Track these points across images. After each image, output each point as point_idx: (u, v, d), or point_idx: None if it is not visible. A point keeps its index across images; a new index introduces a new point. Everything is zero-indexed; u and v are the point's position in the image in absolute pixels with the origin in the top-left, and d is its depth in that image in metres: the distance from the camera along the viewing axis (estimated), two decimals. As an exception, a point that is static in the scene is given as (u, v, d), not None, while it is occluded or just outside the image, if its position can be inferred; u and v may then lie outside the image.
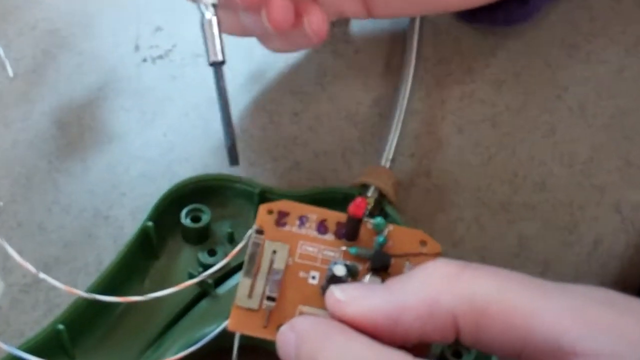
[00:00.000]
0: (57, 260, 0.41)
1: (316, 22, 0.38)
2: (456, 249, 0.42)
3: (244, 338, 0.32)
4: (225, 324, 0.34)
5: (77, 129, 0.45)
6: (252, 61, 0.48)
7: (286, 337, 0.29)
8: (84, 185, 0.43)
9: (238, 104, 0.46)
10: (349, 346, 0.27)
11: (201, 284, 0.37)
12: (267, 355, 0.33)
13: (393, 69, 0.47)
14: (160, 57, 0.48)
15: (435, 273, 0.28)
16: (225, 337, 0.34)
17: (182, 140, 0.45)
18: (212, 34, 0.35)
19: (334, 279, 0.31)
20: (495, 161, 0.44)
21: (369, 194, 0.40)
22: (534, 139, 0.45)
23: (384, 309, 0.28)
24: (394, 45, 0.48)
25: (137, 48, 0.48)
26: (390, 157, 0.43)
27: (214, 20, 0.36)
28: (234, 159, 0.33)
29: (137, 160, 0.44)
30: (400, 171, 0.43)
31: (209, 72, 0.36)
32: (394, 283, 0.29)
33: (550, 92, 0.47)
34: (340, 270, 0.31)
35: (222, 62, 0.35)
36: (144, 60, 0.48)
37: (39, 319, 0.39)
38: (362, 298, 0.29)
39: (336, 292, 0.29)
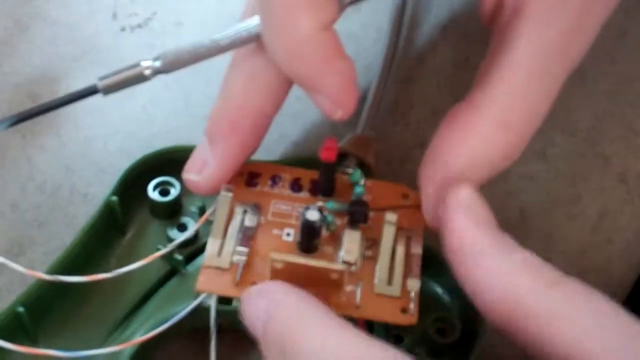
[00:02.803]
0: (31, 242, 0.39)
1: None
2: (453, 223, 0.40)
3: (221, 317, 0.31)
4: (196, 303, 0.33)
5: (52, 103, 0.43)
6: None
7: (255, 304, 0.26)
8: (60, 161, 0.42)
9: (220, 69, 0.43)
10: (328, 342, 0.24)
11: (170, 260, 0.36)
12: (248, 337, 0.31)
13: (385, 35, 0.45)
14: (140, 25, 0.47)
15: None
16: (197, 316, 0.33)
17: (163, 113, 0.44)
18: None
19: (308, 225, 0.30)
20: (493, 130, 0.43)
21: (348, 162, 0.38)
22: (533, 107, 0.44)
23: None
24: (386, 9, 0.46)
25: (114, 16, 0.47)
26: (369, 123, 0.40)
27: None
28: None
29: (116, 134, 0.43)
30: (393, 143, 0.42)
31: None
32: None
33: (549, 58, 0.45)
34: (313, 215, 0.30)
35: None
36: (122, 29, 0.46)
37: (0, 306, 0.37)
38: None
39: None
